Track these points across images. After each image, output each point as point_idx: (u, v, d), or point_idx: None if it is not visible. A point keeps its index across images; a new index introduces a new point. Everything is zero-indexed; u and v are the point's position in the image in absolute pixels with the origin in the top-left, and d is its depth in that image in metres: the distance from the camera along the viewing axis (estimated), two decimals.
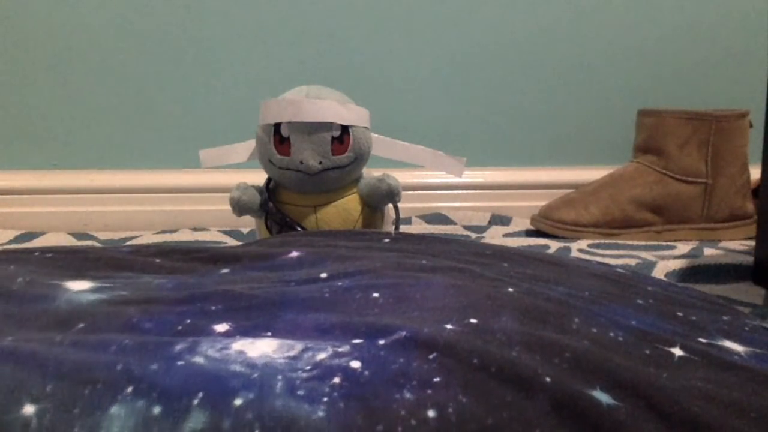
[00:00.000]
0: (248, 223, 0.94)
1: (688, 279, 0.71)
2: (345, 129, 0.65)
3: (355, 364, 0.27)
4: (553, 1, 1.09)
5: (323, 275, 0.39)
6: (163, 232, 0.99)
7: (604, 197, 0.96)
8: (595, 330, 0.33)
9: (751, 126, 0.96)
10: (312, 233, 0.56)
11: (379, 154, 0.72)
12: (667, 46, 1.12)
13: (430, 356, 0.28)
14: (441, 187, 1.11)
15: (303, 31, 1.07)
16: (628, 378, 0.28)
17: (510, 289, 0.38)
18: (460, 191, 1.11)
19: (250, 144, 0.72)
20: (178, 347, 0.28)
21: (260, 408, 0.25)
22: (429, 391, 0.26)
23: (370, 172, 0.72)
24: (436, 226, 1.01)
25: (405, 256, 0.43)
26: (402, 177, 0.73)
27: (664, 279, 0.67)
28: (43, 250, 0.40)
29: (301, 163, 0.65)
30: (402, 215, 0.93)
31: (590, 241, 0.91)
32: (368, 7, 1.07)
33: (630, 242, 0.92)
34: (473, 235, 0.96)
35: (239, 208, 0.68)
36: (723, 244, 0.92)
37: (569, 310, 0.35)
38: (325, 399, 0.25)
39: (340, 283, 0.37)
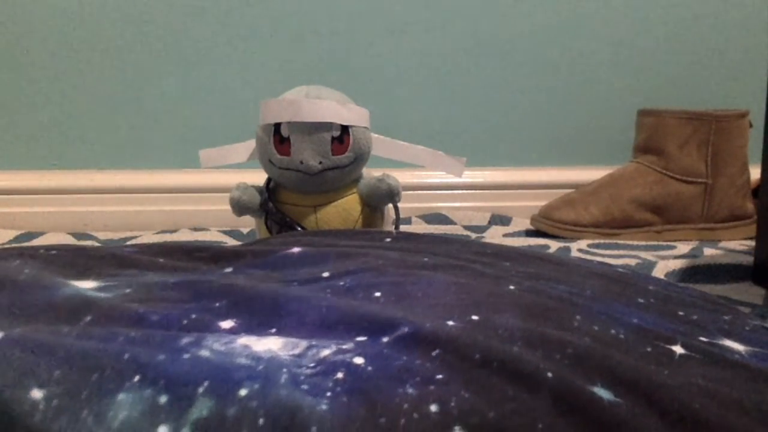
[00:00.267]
0: (248, 223, 0.94)
1: (688, 279, 0.71)
2: (345, 129, 0.65)
3: (359, 360, 0.28)
4: (553, 0, 1.09)
5: (325, 274, 0.39)
6: (163, 232, 0.99)
7: (604, 197, 0.96)
8: (596, 327, 0.33)
9: (751, 126, 0.96)
10: (313, 233, 0.56)
11: (379, 154, 0.72)
12: (667, 46, 1.12)
13: (433, 353, 0.28)
14: (441, 187, 1.11)
15: (303, 31, 1.07)
16: (629, 375, 0.28)
17: (511, 287, 0.38)
18: (460, 191, 1.11)
19: (250, 144, 0.72)
20: (184, 341, 0.28)
21: (265, 397, 0.25)
22: (431, 387, 0.26)
23: (370, 172, 0.72)
24: (436, 226, 1.01)
25: (406, 254, 0.44)
26: (402, 177, 0.73)
27: (665, 279, 0.67)
28: (48, 248, 0.40)
29: (301, 163, 0.65)
30: (402, 215, 0.93)
31: (590, 241, 0.91)
32: (368, 6, 1.07)
33: (630, 242, 0.92)
34: (473, 235, 0.96)
35: (239, 208, 0.68)
36: (723, 244, 0.92)
37: (571, 308, 0.35)
38: (329, 393, 0.26)
39: (342, 283, 0.37)
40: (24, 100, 1.06)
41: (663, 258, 0.81)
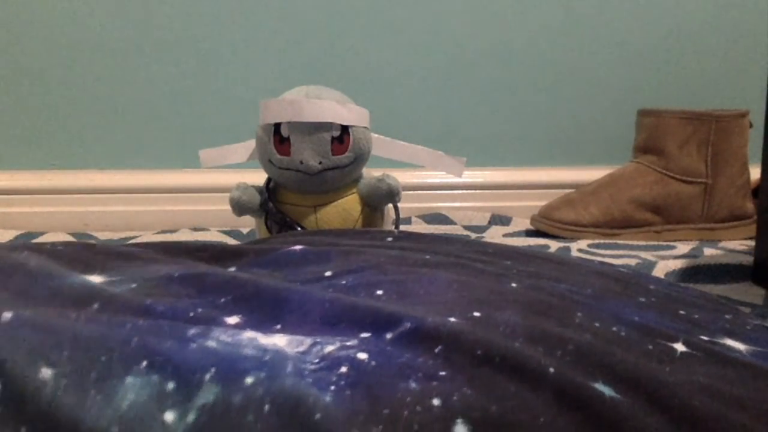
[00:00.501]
0: (248, 223, 0.94)
1: (688, 279, 0.71)
2: (345, 129, 0.65)
3: (362, 356, 0.28)
4: (553, 1, 1.10)
5: (327, 273, 0.39)
6: (163, 232, 0.99)
7: (604, 197, 0.96)
8: (597, 324, 0.33)
9: (751, 126, 0.96)
10: (313, 232, 0.56)
11: (379, 154, 0.72)
12: (667, 46, 1.12)
13: (436, 350, 0.28)
14: (441, 187, 1.11)
15: (303, 31, 1.07)
16: (630, 371, 0.28)
17: (513, 285, 0.38)
18: (460, 191, 1.11)
19: (250, 144, 0.72)
20: (192, 331, 0.29)
21: (270, 386, 0.25)
22: (434, 383, 0.26)
23: (370, 172, 0.72)
24: (436, 226, 1.01)
25: (408, 252, 0.44)
26: (402, 177, 0.73)
27: (666, 279, 0.67)
28: (53, 244, 0.41)
29: (301, 163, 0.65)
30: (402, 215, 0.93)
31: (590, 241, 0.91)
32: (368, 6, 1.07)
33: (630, 242, 0.92)
34: (473, 235, 0.96)
35: (239, 208, 0.68)
36: (723, 244, 0.92)
37: (572, 305, 0.35)
38: (333, 387, 0.26)
39: (344, 282, 0.37)
40: (24, 100, 1.06)
41: (663, 258, 0.81)
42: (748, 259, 0.75)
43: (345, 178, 0.68)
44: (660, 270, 0.73)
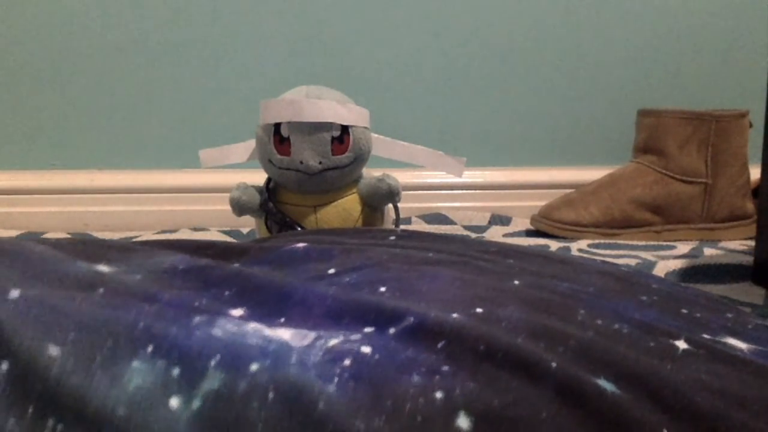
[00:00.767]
0: (248, 223, 0.94)
1: (688, 279, 0.71)
2: (345, 129, 0.65)
3: (366, 350, 0.28)
4: (553, 0, 1.10)
5: (330, 271, 0.39)
6: (163, 232, 0.99)
7: (604, 197, 0.96)
8: (599, 321, 0.33)
9: (751, 126, 0.97)
10: (316, 231, 0.56)
11: (379, 154, 0.72)
12: (667, 46, 1.12)
13: (439, 345, 0.28)
14: (441, 187, 1.11)
15: (303, 31, 1.07)
16: (632, 368, 0.28)
17: (515, 282, 0.38)
18: (460, 191, 1.11)
19: (250, 144, 0.72)
20: (197, 319, 0.29)
21: (275, 374, 0.25)
22: (437, 377, 0.26)
23: (370, 172, 0.72)
24: (436, 226, 1.01)
25: (410, 250, 0.44)
26: (402, 177, 0.73)
27: (667, 278, 0.67)
28: (58, 238, 0.41)
29: (301, 163, 0.65)
30: (402, 215, 0.93)
31: (590, 241, 0.91)
32: (368, 7, 1.07)
33: (630, 242, 0.92)
34: (473, 235, 0.96)
35: (239, 208, 0.68)
36: (723, 244, 0.92)
37: (574, 303, 0.36)
38: (336, 379, 0.26)
39: (347, 279, 0.37)
40: (24, 100, 1.06)
41: (663, 258, 0.81)
42: (748, 259, 0.75)
43: (345, 178, 0.68)
44: (660, 270, 0.73)
